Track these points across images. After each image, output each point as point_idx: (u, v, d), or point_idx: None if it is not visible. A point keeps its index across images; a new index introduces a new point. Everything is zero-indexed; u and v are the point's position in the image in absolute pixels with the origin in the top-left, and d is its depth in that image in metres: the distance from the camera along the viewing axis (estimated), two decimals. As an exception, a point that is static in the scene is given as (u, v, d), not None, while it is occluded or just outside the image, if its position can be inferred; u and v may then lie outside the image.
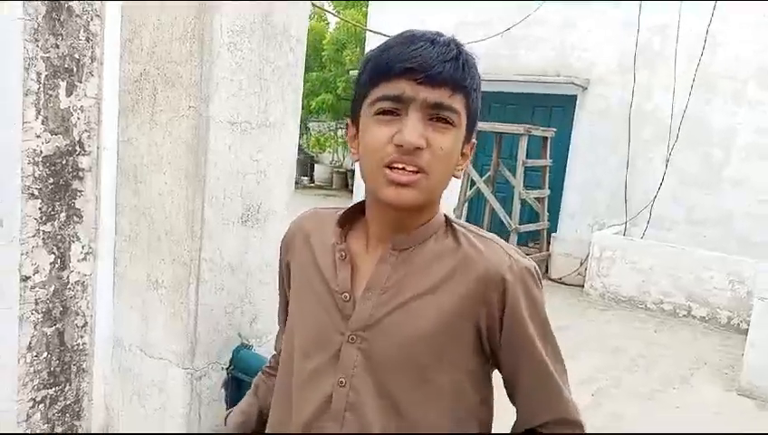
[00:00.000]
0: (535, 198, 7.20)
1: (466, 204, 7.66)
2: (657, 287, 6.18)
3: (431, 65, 0.82)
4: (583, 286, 6.68)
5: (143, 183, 1.32)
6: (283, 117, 1.39)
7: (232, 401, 1.38)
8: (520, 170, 6.83)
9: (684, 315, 6.06)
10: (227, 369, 1.38)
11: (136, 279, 1.36)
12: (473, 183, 7.38)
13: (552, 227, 7.65)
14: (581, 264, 6.88)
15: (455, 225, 0.95)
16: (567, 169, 7.79)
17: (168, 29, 1.24)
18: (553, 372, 0.92)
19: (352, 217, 0.98)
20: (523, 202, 7.00)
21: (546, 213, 7.36)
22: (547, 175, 7.31)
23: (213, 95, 1.20)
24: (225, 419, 1.13)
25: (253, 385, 1.17)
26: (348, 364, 0.91)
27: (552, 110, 7.95)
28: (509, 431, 0.98)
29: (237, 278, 1.35)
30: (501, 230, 7.40)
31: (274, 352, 1.20)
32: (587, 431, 0.95)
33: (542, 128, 7.04)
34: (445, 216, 0.96)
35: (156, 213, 1.30)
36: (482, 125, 7.28)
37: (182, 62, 1.21)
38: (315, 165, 15.22)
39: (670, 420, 3.85)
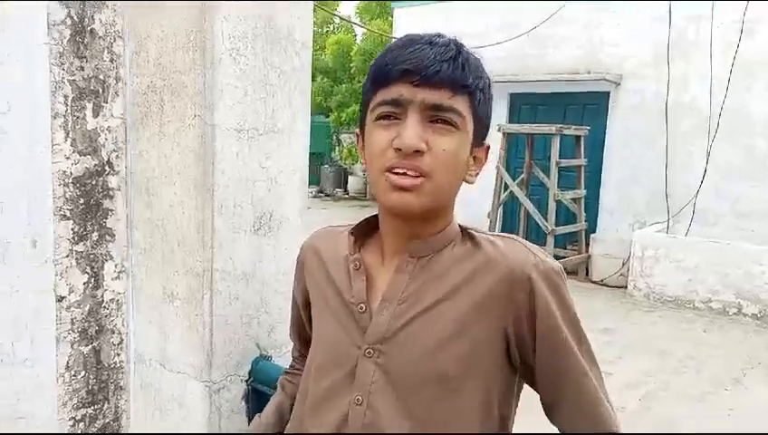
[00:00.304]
0: (571, 199, 7.04)
1: (501, 208, 7.54)
2: (704, 285, 5.95)
3: (427, 66, 0.79)
4: (626, 287, 6.49)
5: (155, 195, 1.31)
6: (291, 122, 1.37)
7: (253, 413, 1.36)
8: (554, 171, 6.69)
9: (734, 313, 5.80)
10: (247, 381, 1.35)
11: (152, 292, 1.35)
12: (506, 187, 7.27)
13: (591, 228, 7.47)
14: (623, 264, 6.68)
15: (472, 231, 0.91)
16: (603, 167, 7.61)
17: (171, 39, 1.23)
18: (593, 379, 0.87)
19: (366, 230, 0.95)
20: (559, 203, 6.85)
21: (583, 214, 7.18)
22: (582, 174, 7.14)
23: (217, 102, 1.19)
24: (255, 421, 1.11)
25: (278, 385, 1.15)
26: (365, 381, 0.87)
27: (585, 108, 7.79)
28: None
29: (252, 288, 1.33)
30: (537, 233, 7.26)
31: (292, 356, 1.20)
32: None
33: (574, 127, 6.89)
34: (459, 225, 0.92)
35: (168, 225, 1.29)
36: (513, 127, 7.18)
37: (186, 71, 1.21)
38: (349, 176, 15.30)
39: (723, 423, 3.67)
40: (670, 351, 4.87)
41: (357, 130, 0.93)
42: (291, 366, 1.19)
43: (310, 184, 15.64)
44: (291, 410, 1.09)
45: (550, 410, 0.89)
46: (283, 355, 1.43)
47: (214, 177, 1.21)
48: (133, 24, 1.30)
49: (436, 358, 0.84)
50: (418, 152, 0.80)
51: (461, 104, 0.82)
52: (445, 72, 0.80)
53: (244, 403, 1.36)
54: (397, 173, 0.81)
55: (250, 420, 1.36)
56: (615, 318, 5.70)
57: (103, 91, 2.67)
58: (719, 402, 3.95)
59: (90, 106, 2.61)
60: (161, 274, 1.32)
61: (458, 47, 0.82)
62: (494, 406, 0.87)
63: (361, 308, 0.89)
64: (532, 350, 0.86)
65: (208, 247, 1.23)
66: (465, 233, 0.91)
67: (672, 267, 6.10)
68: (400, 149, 0.79)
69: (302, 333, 1.13)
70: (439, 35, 0.83)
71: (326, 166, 15.80)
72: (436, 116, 0.81)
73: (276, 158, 1.35)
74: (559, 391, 0.87)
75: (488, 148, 0.91)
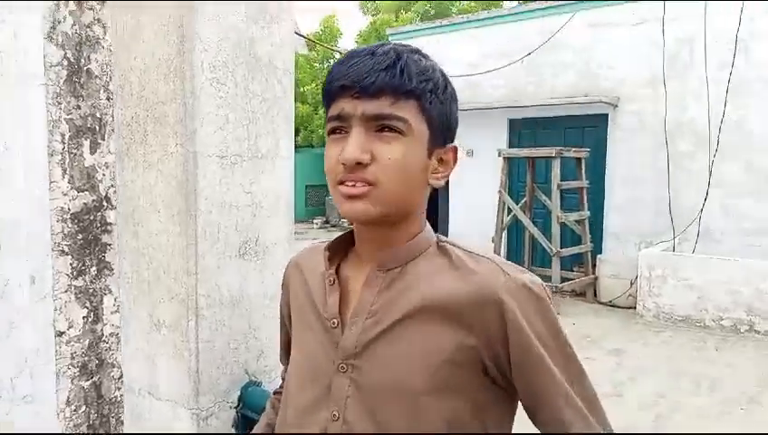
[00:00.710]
0: (575, 221, 7.02)
1: (505, 232, 7.53)
2: (714, 303, 5.87)
3: (363, 77, 0.80)
4: (635, 308, 6.41)
5: (141, 225, 1.33)
6: (275, 148, 1.39)
7: (243, 440, 1.35)
8: (555, 193, 6.69)
9: (746, 331, 5.71)
10: (236, 407, 1.34)
11: (140, 321, 1.36)
12: (509, 211, 7.27)
13: (597, 250, 7.42)
14: (631, 284, 6.61)
15: (446, 244, 0.91)
16: (606, 188, 7.60)
17: (153, 70, 1.27)
18: (575, 398, 0.84)
19: (345, 245, 0.95)
20: (564, 226, 6.83)
21: (588, 235, 7.15)
22: (585, 196, 7.13)
23: (199, 130, 1.21)
24: None
25: (268, 404, 1.15)
26: (340, 395, 0.87)
27: (584, 130, 7.83)
28: None
29: (239, 313, 1.33)
30: (543, 256, 7.23)
31: (282, 378, 1.19)
32: None
33: (574, 149, 6.91)
34: (438, 236, 0.92)
35: (153, 252, 1.30)
36: (512, 152, 7.22)
37: (167, 101, 1.23)
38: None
39: (739, 444, 3.58)
40: (682, 371, 4.78)
41: None
42: (281, 386, 1.18)
43: (316, 215, 15.60)
44: None
45: (537, 426, 0.87)
46: (272, 381, 1.43)
47: (197, 203, 1.22)
48: (116, 56, 1.34)
49: (403, 373, 0.84)
50: (361, 164, 0.81)
51: (405, 110, 0.82)
52: (382, 80, 0.80)
53: (233, 430, 1.35)
54: (347, 185, 0.83)
55: (240, 448, 1.35)
56: (625, 339, 5.62)
57: (100, 129, 2.72)
58: (735, 423, 3.86)
59: (86, 143, 2.66)
60: (148, 302, 1.33)
61: (398, 54, 0.82)
62: (464, 421, 0.85)
63: (333, 323, 0.89)
64: (509, 371, 0.84)
65: (192, 273, 1.23)
66: (440, 246, 0.90)
67: (680, 286, 6.03)
68: (345, 163, 0.81)
69: (290, 353, 1.13)
70: (382, 45, 0.84)
71: (330, 197, 15.88)
72: (380, 125, 0.82)
73: (260, 183, 1.37)
74: (537, 413, 0.85)
75: (455, 149, 0.90)
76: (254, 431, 1.10)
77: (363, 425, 0.85)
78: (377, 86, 0.80)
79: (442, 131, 0.87)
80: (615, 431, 0.87)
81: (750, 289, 5.66)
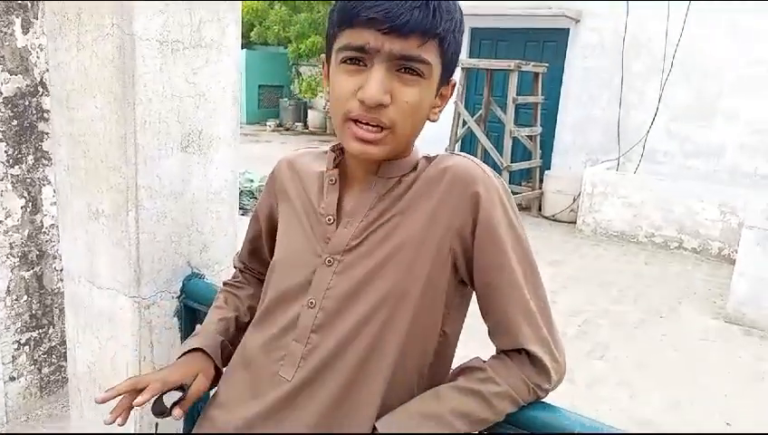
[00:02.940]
0: (527, 136, 7.12)
1: (458, 143, 7.57)
2: (648, 221, 6.18)
3: (397, 14, 0.76)
4: (576, 223, 6.69)
5: (76, 109, 1.27)
6: (220, 37, 1.33)
7: (185, 328, 1.38)
8: (511, 108, 6.72)
9: (675, 248, 6.08)
10: (179, 297, 1.36)
11: (78, 210, 1.33)
12: (464, 122, 7.28)
13: (546, 165, 7.60)
14: (574, 200, 6.86)
15: (431, 155, 0.94)
16: (560, 105, 7.67)
17: (85, -58, 1.16)
18: (527, 296, 0.86)
19: (341, 152, 0.96)
20: (516, 140, 6.92)
21: (539, 151, 7.29)
22: (539, 112, 7.20)
23: (136, 10, 1.14)
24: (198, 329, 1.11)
25: (220, 297, 1.16)
26: (320, 286, 0.90)
27: (545, 45, 7.77)
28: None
29: (181, 206, 1.32)
30: (493, 169, 7.34)
31: (234, 267, 1.22)
32: (555, 372, 0.87)
33: (533, 63, 6.88)
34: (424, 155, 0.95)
35: (90, 139, 1.25)
36: (472, 62, 7.12)
37: (102, -24, 1.15)
38: (309, 110, 15.03)
39: (655, 347, 3.91)
40: (612, 281, 5.10)
41: (323, 58, 0.91)
42: (233, 277, 1.20)
43: (269, 117, 15.25)
44: (236, 324, 1.11)
45: (486, 324, 0.91)
46: (216, 274, 1.45)
47: (135, 90, 1.17)
48: (44, -77, 1.22)
49: (387, 268, 0.87)
50: (381, 105, 0.79)
51: (430, 52, 0.80)
52: (415, 20, 0.76)
53: (176, 319, 1.37)
54: (359, 124, 0.81)
55: (183, 336, 1.38)
56: (563, 251, 5.91)
57: (32, 6, 2.52)
58: (654, 329, 4.19)
59: (18, 21, 2.47)
60: (86, 191, 1.30)
61: None
62: (439, 320, 0.90)
63: (329, 220, 0.92)
64: (472, 257, 0.87)
65: (132, 163, 1.20)
66: (426, 157, 0.94)
67: (619, 203, 6.30)
68: (363, 102, 0.79)
69: (258, 252, 1.14)
70: None
71: (285, 99, 15.45)
72: (402, 65, 0.80)
73: (204, 74, 1.31)
74: (489, 301, 0.88)
75: (454, 84, 0.91)
76: (206, 323, 1.11)
77: (340, 314, 0.88)
78: (410, 26, 0.76)
79: (451, 68, 0.87)
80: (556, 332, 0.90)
81: (682, 209, 5.97)
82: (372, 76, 0.79)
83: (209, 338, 1.06)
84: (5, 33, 2.41)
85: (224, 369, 1.05)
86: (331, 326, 0.88)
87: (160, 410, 0.97)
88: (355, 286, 0.88)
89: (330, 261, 0.90)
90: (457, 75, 6.97)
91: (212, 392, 1.05)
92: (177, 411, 0.95)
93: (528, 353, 0.86)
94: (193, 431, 1.02)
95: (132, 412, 0.96)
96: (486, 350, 0.95)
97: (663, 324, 4.29)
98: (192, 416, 1.22)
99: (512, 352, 0.88)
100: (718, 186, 5.99)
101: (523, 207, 7.46)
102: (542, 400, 0.90)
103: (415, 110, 0.82)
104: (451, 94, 0.91)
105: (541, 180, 7.32)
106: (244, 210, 6.02)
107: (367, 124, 0.81)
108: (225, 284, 1.20)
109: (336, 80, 0.83)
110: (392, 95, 0.80)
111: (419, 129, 0.88)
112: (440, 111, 0.90)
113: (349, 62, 0.81)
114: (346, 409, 0.86)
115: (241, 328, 1.09)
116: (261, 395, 0.91)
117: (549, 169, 7.60)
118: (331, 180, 0.94)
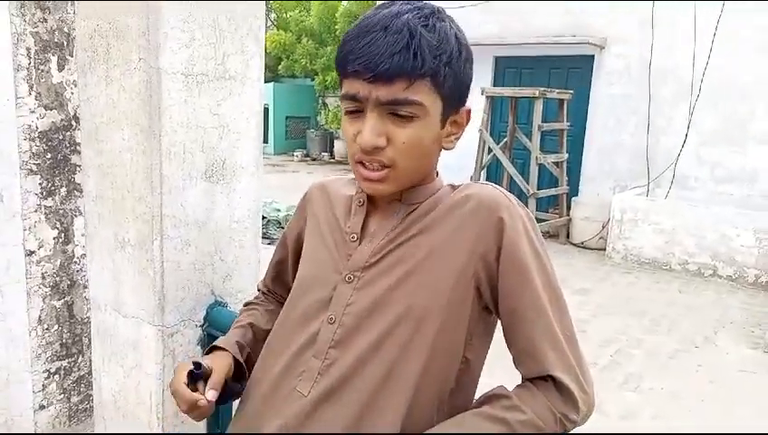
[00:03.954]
0: (553, 163, 7.06)
1: (484, 171, 7.56)
2: (681, 248, 6.04)
3: (377, 63, 0.79)
4: (605, 250, 6.57)
5: (105, 142, 1.30)
6: (244, 69, 1.36)
7: (208, 358, 1.38)
8: (536, 135, 6.69)
9: (709, 275, 5.91)
10: (202, 326, 1.37)
11: (105, 239, 1.36)
12: (490, 150, 7.27)
13: (573, 192, 7.52)
14: (603, 227, 6.75)
15: (455, 184, 0.97)
16: (586, 131, 7.62)
17: (115, -19, 1.21)
18: (553, 322, 0.85)
19: None
20: (542, 167, 6.88)
21: (565, 177, 7.22)
22: (565, 138, 7.15)
23: (162, 46, 1.18)
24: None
25: (242, 315, 1.16)
26: (341, 302, 0.91)
27: (569, 72, 7.76)
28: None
29: (205, 235, 1.34)
30: (519, 197, 7.27)
31: (258, 290, 1.23)
32: (584, 403, 0.84)
33: (557, 90, 6.87)
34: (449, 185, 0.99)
35: (118, 170, 1.29)
36: (496, 90, 7.15)
37: (130, 12, 1.19)
38: (335, 141, 15.21)
39: (691, 378, 3.78)
40: (645, 310, 4.97)
41: None
42: (255, 298, 1.22)
43: (296, 148, 15.47)
44: (252, 330, 1.11)
45: (511, 352, 0.89)
46: (239, 302, 1.45)
47: (161, 122, 1.20)
48: (77, -35, 1.28)
49: (406, 289, 0.87)
50: (377, 148, 0.84)
51: (419, 92, 0.82)
52: (396, 64, 0.79)
53: (199, 348, 1.38)
54: (364, 165, 0.87)
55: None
56: (592, 279, 5.79)
57: (67, 44, 2.63)
58: (689, 359, 4.06)
59: (54, 59, 2.57)
60: (113, 220, 1.32)
61: (412, 31, 0.80)
62: (461, 346, 0.89)
63: (353, 238, 0.94)
64: (497, 284, 0.87)
65: (157, 193, 1.23)
66: (451, 185, 0.97)
67: (650, 230, 6.18)
68: (361, 147, 0.84)
69: (282, 275, 1.16)
70: (397, 15, 0.81)
71: (312, 130, 15.69)
72: (392, 110, 0.83)
73: (228, 105, 1.34)
74: (514, 327, 0.87)
75: (469, 111, 0.92)
76: (227, 335, 1.11)
77: (359, 331, 0.88)
78: (391, 72, 0.80)
79: (457, 98, 0.88)
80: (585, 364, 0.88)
81: (716, 235, 5.82)
82: (366, 123, 0.83)
83: (221, 341, 1.08)
84: (42, 70, 2.50)
85: (243, 362, 1.04)
86: (349, 342, 0.88)
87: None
88: (374, 302, 0.88)
89: (350, 278, 0.92)
90: (482, 103, 7.02)
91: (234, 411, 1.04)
92: (210, 393, 0.94)
93: (554, 381, 0.83)
94: None
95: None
96: (514, 380, 0.93)
97: (698, 355, 4.14)
98: (214, 431, 1.22)
99: (538, 380, 0.85)
100: (753, 211, 5.83)
101: (551, 235, 7.37)
102: (570, 432, 0.87)
103: (413, 147, 0.85)
104: (467, 120, 0.92)
105: (568, 207, 7.24)
106: (270, 240, 6.08)
107: (372, 169, 0.86)
108: (245, 304, 1.21)
109: (343, 126, 0.90)
110: (388, 137, 0.84)
111: (431, 160, 0.91)
112: (456, 138, 0.92)
113: (349, 109, 0.86)
114: (365, 428, 0.85)
115: (259, 336, 1.10)
116: (279, 411, 0.90)
117: (576, 195, 7.51)
118: (360, 202, 0.97)
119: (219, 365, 0.99)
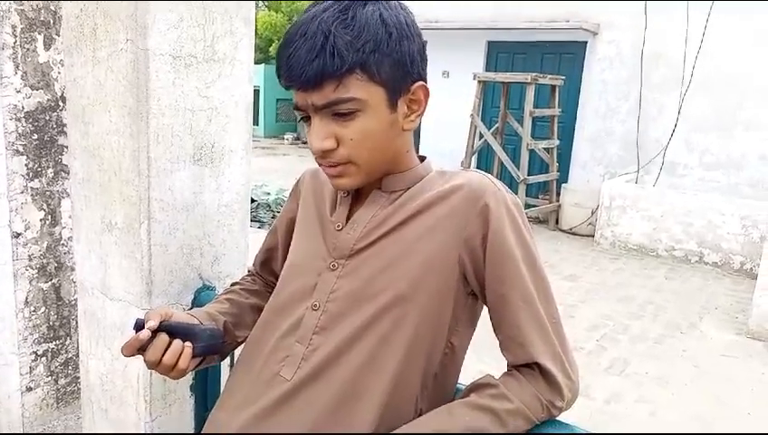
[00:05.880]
0: (544, 149, 7.08)
1: (475, 156, 7.56)
2: (668, 235, 6.09)
3: (300, 73, 0.80)
4: (594, 236, 6.61)
5: (91, 123, 1.29)
6: (233, 51, 1.34)
7: (196, 341, 1.38)
8: (527, 120, 6.69)
9: (696, 261, 5.98)
10: (189, 310, 1.37)
11: (92, 223, 1.34)
12: (481, 135, 7.27)
13: (563, 178, 7.54)
14: (592, 213, 6.79)
15: (443, 169, 0.96)
16: (577, 118, 7.62)
17: (101, -41, 1.19)
18: (540, 309, 0.86)
19: None
20: (532, 153, 6.89)
21: (556, 163, 7.24)
22: (556, 125, 7.16)
23: (150, 26, 1.16)
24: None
25: (222, 294, 1.16)
26: (325, 289, 0.91)
27: (562, 57, 7.74)
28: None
29: (193, 219, 1.33)
30: (510, 182, 7.31)
31: (248, 271, 1.25)
32: (568, 389, 0.85)
33: (549, 76, 6.86)
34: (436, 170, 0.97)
35: (105, 153, 1.27)
36: (487, 75, 7.12)
37: (117, -8, 1.16)
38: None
39: (675, 363, 3.83)
40: (631, 296, 5.03)
41: None
42: (241, 279, 1.23)
43: (287, 131, 15.40)
44: (231, 308, 1.10)
45: (497, 338, 0.90)
46: (226, 286, 1.45)
47: (148, 104, 1.18)
48: (62, -59, 1.25)
49: (389, 275, 0.87)
50: (328, 150, 0.85)
51: (352, 87, 0.81)
52: (316, 69, 0.79)
53: (187, 332, 1.38)
54: (325, 166, 0.89)
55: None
56: (580, 265, 5.84)
57: (54, 23, 2.58)
58: (674, 344, 4.12)
59: (40, 38, 2.53)
60: (100, 203, 1.31)
61: (326, 32, 0.79)
62: (445, 330, 0.89)
63: (338, 226, 0.95)
64: (483, 270, 0.87)
65: (145, 176, 1.21)
66: (439, 172, 0.96)
67: (638, 217, 6.23)
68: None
69: (270, 262, 1.17)
70: (312, 18, 0.80)
71: (303, 113, 15.57)
72: (331, 111, 0.83)
73: (217, 88, 1.33)
74: (501, 314, 0.87)
75: (424, 86, 0.89)
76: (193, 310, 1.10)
77: (343, 318, 0.89)
78: (314, 78, 0.80)
79: (400, 80, 0.86)
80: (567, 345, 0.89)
81: (703, 222, 5.88)
82: (312, 128, 0.86)
83: (193, 311, 1.09)
84: (29, 49, 2.46)
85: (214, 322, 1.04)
86: (333, 328, 0.88)
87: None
88: (358, 289, 0.89)
89: (334, 265, 0.92)
90: (474, 88, 6.99)
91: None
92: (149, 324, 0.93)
93: (540, 368, 0.84)
94: (201, 433, 1.02)
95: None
96: (502, 366, 0.93)
97: (684, 340, 4.20)
98: (200, 419, 1.22)
99: (524, 368, 0.86)
100: (740, 199, 5.89)
101: (540, 221, 7.40)
102: (556, 417, 0.88)
103: (364, 140, 0.85)
104: (426, 97, 0.90)
105: (558, 193, 7.27)
106: (260, 223, 6.06)
107: (330, 166, 0.88)
108: (231, 284, 1.22)
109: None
110: (336, 137, 0.85)
111: (391, 145, 0.89)
112: (418, 116, 0.90)
113: (301, 116, 0.89)
114: (345, 411, 0.85)
115: (239, 308, 1.11)
116: (262, 395, 0.91)
117: (566, 182, 7.54)
118: (344, 192, 0.97)
119: (175, 314, 0.99)
